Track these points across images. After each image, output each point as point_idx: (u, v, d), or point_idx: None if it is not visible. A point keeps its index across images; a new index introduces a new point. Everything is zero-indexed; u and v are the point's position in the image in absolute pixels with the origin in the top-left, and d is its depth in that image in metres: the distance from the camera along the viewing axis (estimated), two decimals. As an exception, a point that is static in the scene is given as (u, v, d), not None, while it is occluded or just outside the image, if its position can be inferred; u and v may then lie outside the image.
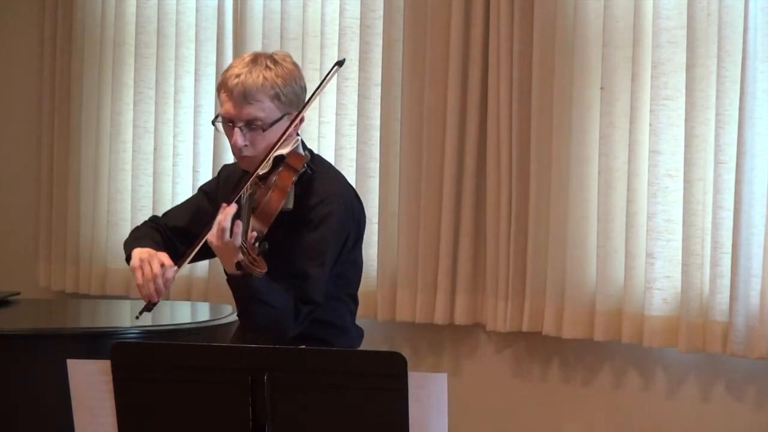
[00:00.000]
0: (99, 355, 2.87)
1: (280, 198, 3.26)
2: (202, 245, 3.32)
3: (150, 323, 4.73)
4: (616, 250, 4.76)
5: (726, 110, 4.53)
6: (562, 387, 5.01)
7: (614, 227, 4.77)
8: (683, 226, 4.61)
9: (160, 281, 3.30)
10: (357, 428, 2.72)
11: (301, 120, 3.42)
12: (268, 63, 3.34)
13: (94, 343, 4.14)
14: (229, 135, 3.37)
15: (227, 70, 3.38)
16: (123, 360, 2.80)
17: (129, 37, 5.86)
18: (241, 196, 3.27)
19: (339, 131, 5.30)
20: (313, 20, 5.40)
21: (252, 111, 3.31)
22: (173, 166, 5.74)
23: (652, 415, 4.83)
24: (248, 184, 3.29)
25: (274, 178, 3.30)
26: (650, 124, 4.67)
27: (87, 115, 5.95)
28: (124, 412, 2.80)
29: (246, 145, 3.34)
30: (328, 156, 5.34)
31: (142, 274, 3.31)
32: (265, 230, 3.23)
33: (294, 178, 3.31)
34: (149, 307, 3.33)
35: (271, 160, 3.34)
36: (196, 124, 5.68)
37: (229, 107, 3.34)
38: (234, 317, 4.45)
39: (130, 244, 3.46)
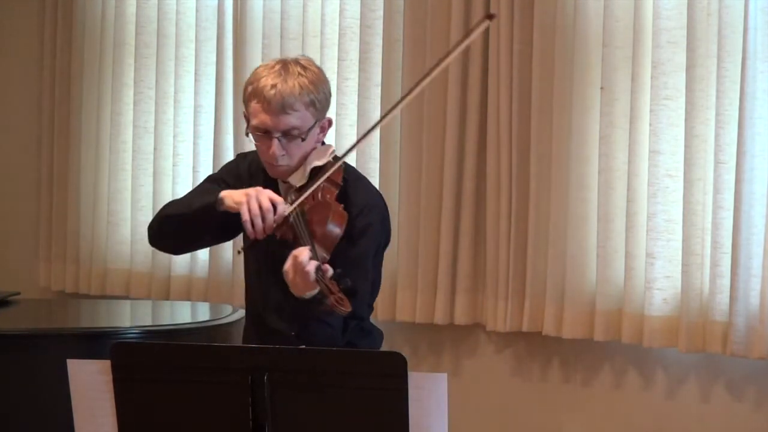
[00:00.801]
0: (99, 355, 2.87)
1: (341, 223, 3.19)
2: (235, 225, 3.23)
3: (150, 323, 4.74)
4: (616, 250, 4.76)
5: (726, 110, 4.53)
6: (562, 387, 5.01)
7: (614, 227, 4.77)
8: (683, 226, 4.61)
9: (271, 216, 3.17)
10: (357, 428, 2.72)
11: (330, 124, 3.39)
12: (299, 70, 3.29)
13: (94, 343, 4.14)
14: (264, 145, 3.29)
15: (257, 80, 3.29)
16: (123, 360, 2.80)
17: (129, 37, 5.86)
18: (290, 215, 3.19)
19: (339, 131, 5.30)
20: (313, 20, 5.40)
21: (290, 120, 3.26)
22: (173, 166, 5.74)
23: (652, 415, 4.83)
24: (296, 204, 3.20)
25: (320, 195, 3.23)
26: (650, 124, 4.67)
27: (87, 115, 5.95)
28: (124, 412, 2.80)
29: (283, 155, 3.28)
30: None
31: (249, 209, 3.16)
32: (328, 257, 3.14)
33: (337, 193, 3.26)
34: (253, 243, 3.19)
35: (308, 172, 3.30)
36: (196, 124, 5.68)
37: (265, 118, 3.26)
38: (234, 317, 4.46)
39: (204, 194, 3.34)
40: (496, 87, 4.99)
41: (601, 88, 4.78)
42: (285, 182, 3.35)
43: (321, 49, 5.36)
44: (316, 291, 3.09)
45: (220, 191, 3.28)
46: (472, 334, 5.16)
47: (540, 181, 4.90)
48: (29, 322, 4.75)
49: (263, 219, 3.16)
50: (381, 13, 5.22)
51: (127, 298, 5.72)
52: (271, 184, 3.34)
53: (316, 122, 3.31)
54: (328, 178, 3.26)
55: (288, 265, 3.12)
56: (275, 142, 3.27)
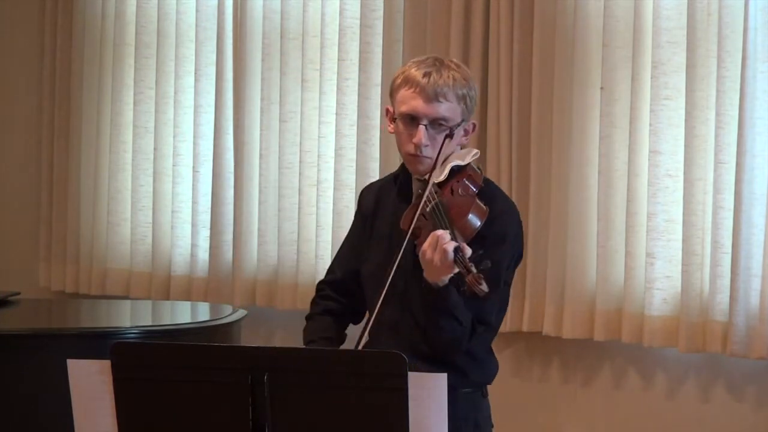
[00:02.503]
0: (99, 355, 2.87)
1: (482, 216, 3.15)
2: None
3: (150, 323, 4.74)
4: (616, 250, 4.76)
5: (726, 110, 4.53)
6: (562, 387, 5.01)
7: (614, 227, 4.77)
8: (683, 226, 4.61)
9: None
10: (357, 428, 2.72)
11: (474, 128, 3.34)
12: (452, 65, 3.28)
13: (94, 343, 4.14)
14: (409, 134, 3.24)
15: (409, 69, 3.26)
16: (123, 360, 2.80)
17: (129, 37, 5.86)
18: (425, 204, 3.16)
19: (339, 131, 5.30)
20: (313, 20, 5.40)
21: (441, 109, 3.22)
22: (173, 166, 5.74)
23: (652, 415, 4.83)
24: (430, 191, 3.17)
25: (460, 190, 3.20)
26: (650, 124, 4.67)
27: (87, 115, 5.95)
28: (124, 412, 2.80)
29: (428, 146, 3.23)
30: (329, 156, 5.34)
31: None
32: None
33: (477, 193, 3.21)
34: None
35: (448, 169, 3.25)
36: (196, 124, 5.68)
37: (416, 104, 3.22)
38: (234, 317, 4.46)
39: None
40: (496, 87, 4.99)
41: (601, 88, 4.78)
42: (420, 180, 3.28)
43: (321, 49, 5.36)
44: (450, 276, 3.07)
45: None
46: (472, 334, 5.16)
47: (540, 181, 4.90)
48: (29, 322, 4.75)
49: None
50: (381, 13, 5.22)
51: (127, 298, 5.72)
52: (404, 187, 3.31)
53: (463, 120, 3.26)
54: (468, 175, 3.22)
55: (427, 243, 3.08)
56: (422, 129, 3.22)
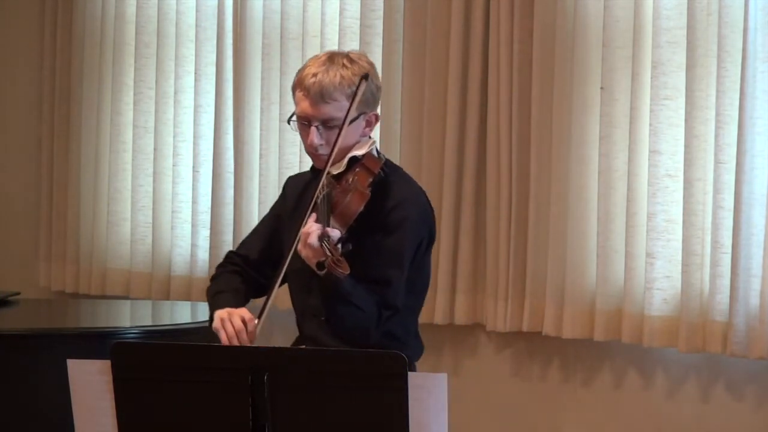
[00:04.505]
0: (99, 355, 2.87)
1: (360, 201, 3.23)
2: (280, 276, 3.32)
3: (150, 323, 4.74)
4: (616, 250, 4.76)
5: (726, 110, 4.53)
6: (562, 387, 5.01)
7: (614, 227, 4.76)
8: (683, 226, 4.61)
9: (244, 336, 3.28)
10: (357, 428, 2.72)
11: (377, 119, 3.41)
12: (345, 62, 3.33)
13: (94, 343, 4.14)
14: (305, 134, 3.35)
15: (303, 70, 3.36)
16: (123, 360, 2.80)
17: (129, 37, 5.86)
18: (317, 197, 3.25)
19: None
20: (313, 20, 5.39)
21: (329, 110, 3.30)
22: (173, 166, 5.74)
23: (652, 415, 4.83)
24: (322, 184, 3.27)
25: (351, 179, 3.28)
26: (650, 124, 4.67)
27: (87, 115, 5.94)
28: (124, 412, 2.80)
29: (322, 144, 3.32)
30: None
31: (226, 333, 3.29)
32: (343, 232, 3.20)
33: (370, 181, 3.28)
34: None
35: (346, 160, 3.33)
36: (196, 124, 5.68)
37: (305, 106, 3.33)
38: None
39: (211, 302, 3.45)
40: (496, 87, 4.99)
41: (601, 88, 4.78)
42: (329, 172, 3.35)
43: (321, 49, 5.35)
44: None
45: (220, 301, 3.41)
46: (472, 334, 5.16)
47: (540, 181, 4.90)
48: (29, 322, 4.75)
49: (239, 339, 3.27)
50: (381, 13, 5.22)
51: (127, 298, 5.72)
52: (315, 178, 3.38)
53: (359, 115, 3.33)
54: (362, 164, 3.30)
55: (300, 242, 3.19)
56: (313, 130, 3.32)
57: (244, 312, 3.34)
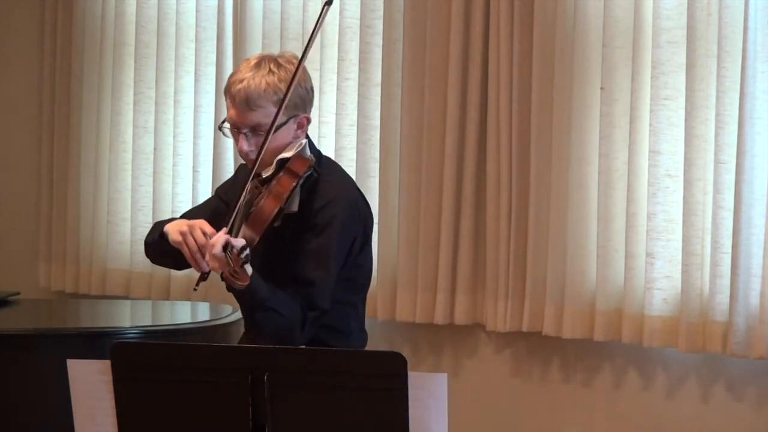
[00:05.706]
0: (99, 355, 2.87)
1: (273, 205, 3.20)
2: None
3: (150, 323, 4.74)
4: (616, 250, 4.76)
5: (726, 110, 4.53)
6: (562, 387, 5.01)
7: (614, 227, 4.77)
8: (683, 226, 4.61)
9: (214, 252, 3.13)
10: (357, 428, 2.72)
11: (308, 121, 3.38)
12: (272, 67, 3.30)
13: (94, 343, 4.14)
14: (235, 139, 3.33)
15: (232, 74, 3.34)
16: (123, 360, 2.80)
17: (129, 37, 5.86)
18: (242, 200, 3.24)
19: (339, 131, 5.30)
20: (313, 20, 5.39)
21: (256, 117, 3.27)
22: (173, 166, 5.74)
23: (652, 415, 4.83)
24: (246, 189, 3.25)
25: (273, 182, 3.26)
26: (650, 124, 4.67)
27: (87, 115, 5.95)
28: (124, 412, 2.80)
29: (252, 150, 3.29)
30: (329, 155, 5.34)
31: (188, 248, 3.20)
32: (257, 238, 3.18)
33: (294, 183, 3.24)
34: (204, 276, 3.21)
35: (275, 163, 3.30)
36: (196, 124, 5.68)
37: (233, 113, 3.30)
38: (234, 317, 4.46)
39: (156, 228, 3.38)
40: (496, 87, 4.99)
41: (601, 88, 4.78)
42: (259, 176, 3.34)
43: (321, 49, 5.36)
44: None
45: (165, 225, 3.32)
46: (472, 334, 5.16)
47: (540, 181, 4.90)
48: (29, 322, 4.75)
49: (203, 254, 3.18)
50: (381, 13, 5.22)
51: (127, 298, 5.72)
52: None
53: (289, 119, 3.30)
54: (286, 167, 3.27)
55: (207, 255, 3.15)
56: (242, 137, 3.29)
57: (204, 224, 3.23)
